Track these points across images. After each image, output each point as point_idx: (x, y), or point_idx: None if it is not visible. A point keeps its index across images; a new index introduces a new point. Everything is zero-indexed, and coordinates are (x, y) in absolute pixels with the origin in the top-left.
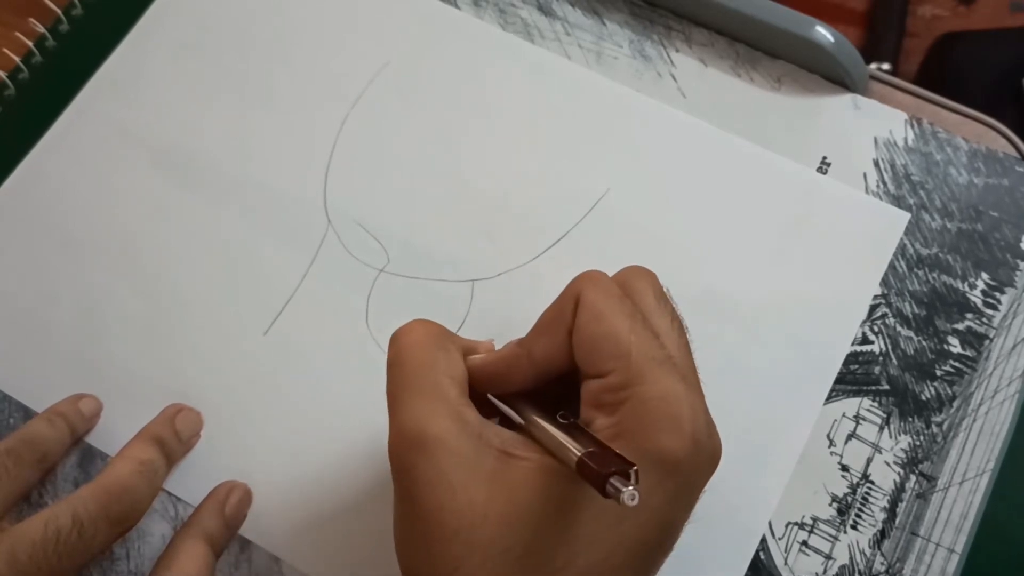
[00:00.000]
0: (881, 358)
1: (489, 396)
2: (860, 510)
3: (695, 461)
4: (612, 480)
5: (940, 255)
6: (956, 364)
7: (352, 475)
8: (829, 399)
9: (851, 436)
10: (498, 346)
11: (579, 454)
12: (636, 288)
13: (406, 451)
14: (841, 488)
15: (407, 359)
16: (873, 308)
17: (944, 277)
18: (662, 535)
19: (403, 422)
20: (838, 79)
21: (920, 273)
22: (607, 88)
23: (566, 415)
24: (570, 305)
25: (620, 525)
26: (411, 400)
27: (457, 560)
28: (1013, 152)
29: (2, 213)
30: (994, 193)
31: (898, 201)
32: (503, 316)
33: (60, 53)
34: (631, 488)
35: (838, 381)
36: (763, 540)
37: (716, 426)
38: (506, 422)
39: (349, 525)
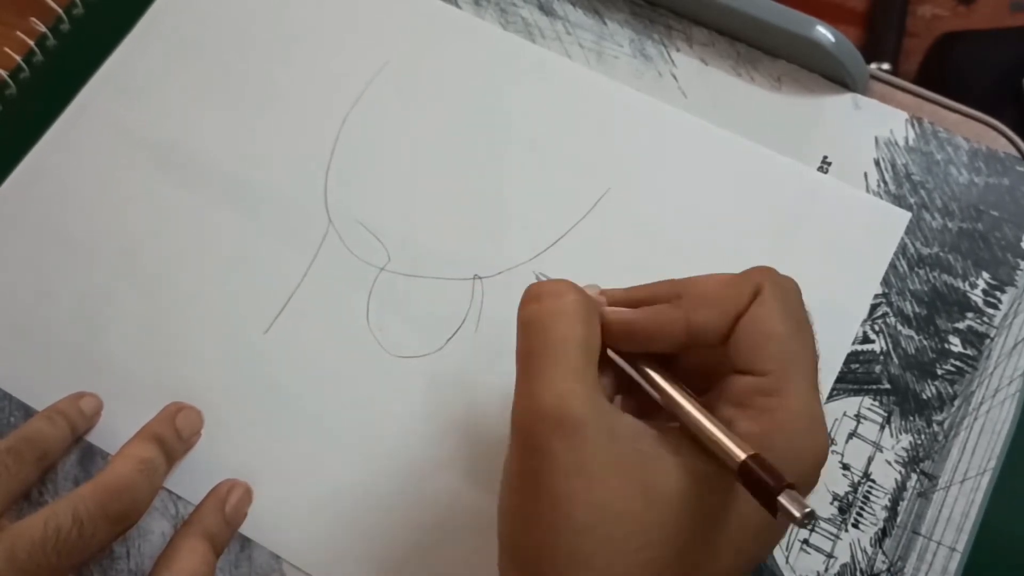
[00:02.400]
0: (882, 357)
1: (609, 352)
2: (861, 509)
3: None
4: (783, 497)
5: (941, 254)
6: (957, 363)
7: (353, 473)
8: (830, 398)
9: (852, 435)
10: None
11: (743, 456)
12: (794, 298)
13: (542, 429)
14: (842, 487)
15: (552, 325)
16: (874, 307)
17: (945, 276)
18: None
19: (542, 396)
20: (838, 79)
21: (921, 272)
22: (608, 87)
23: (692, 393)
24: (748, 290)
25: (761, 535)
26: (552, 373)
27: (587, 555)
28: (1013, 151)
29: (2, 212)
30: (994, 192)
31: (899, 200)
32: (504, 315)
33: (61, 52)
34: (809, 509)
35: (839, 380)
36: None
37: None
38: (614, 381)
39: (349, 523)
